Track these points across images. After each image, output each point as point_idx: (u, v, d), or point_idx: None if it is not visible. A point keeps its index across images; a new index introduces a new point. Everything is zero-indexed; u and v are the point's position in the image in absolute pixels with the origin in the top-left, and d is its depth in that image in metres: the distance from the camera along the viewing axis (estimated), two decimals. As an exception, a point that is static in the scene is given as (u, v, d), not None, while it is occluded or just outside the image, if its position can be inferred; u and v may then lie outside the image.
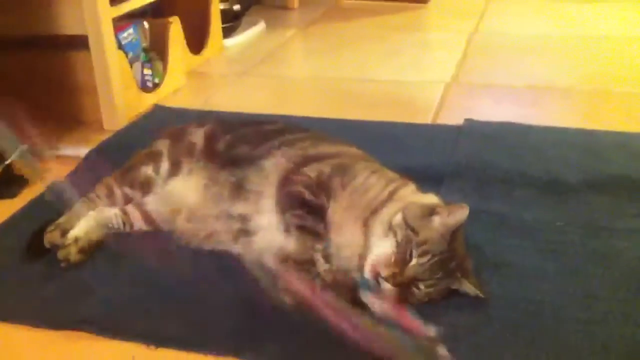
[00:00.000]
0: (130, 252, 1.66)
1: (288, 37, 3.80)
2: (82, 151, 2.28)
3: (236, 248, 1.62)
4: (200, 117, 2.08)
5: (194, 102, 2.80)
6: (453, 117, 2.48)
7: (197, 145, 1.78)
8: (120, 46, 2.55)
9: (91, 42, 2.39)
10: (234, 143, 1.75)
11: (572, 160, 2.06)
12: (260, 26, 3.86)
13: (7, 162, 2.08)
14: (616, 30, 3.67)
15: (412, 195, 1.53)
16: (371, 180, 1.55)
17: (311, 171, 1.57)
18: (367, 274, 1.40)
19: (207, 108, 2.68)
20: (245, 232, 1.61)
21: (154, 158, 1.78)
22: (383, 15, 4.16)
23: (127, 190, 1.77)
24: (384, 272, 1.37)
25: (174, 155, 1.77)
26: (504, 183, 1.92)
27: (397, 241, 1.39)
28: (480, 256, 1.54)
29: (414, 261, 1.36)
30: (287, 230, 1.51)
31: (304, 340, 1.34)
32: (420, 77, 3.06)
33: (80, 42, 2.43)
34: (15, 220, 1.83)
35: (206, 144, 1.77)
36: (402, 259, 1.37)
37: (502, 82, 2.95)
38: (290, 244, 1.47)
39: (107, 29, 2.41)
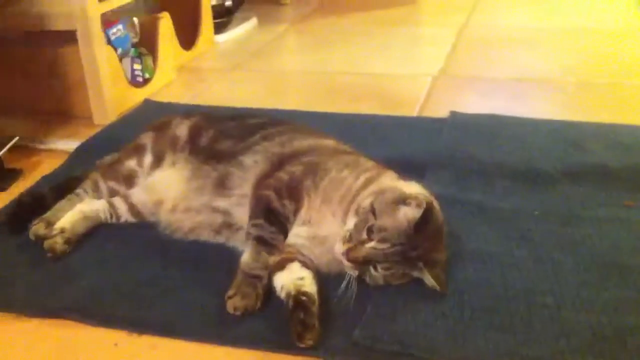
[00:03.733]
0: (116, 242, 1.70)
1: (279, 32, 3.83)
2: (72, 145, 2.31)
3: (219, 239, 1.66)
4: (188, 111, 2.11)
5: (185, 96, 2.83)
6: (439, 110, 2.50)
7: (180, 138, 1.81)
8: (109, 42, 2.58)
9: (80, 37, 2.42)
10: (217, 137, 1.78)
11: (551, 150, 2.09)
12: (252, 22, 3.88)
13: (-3, 156, 2.10)
14: (600, 23, 3.70)
15: (391, 183, 1.54)
16: (344, 174, 1.57)
17: (284, 174, 1.60)
18: (335, 251, 1.44)
19: (197, 102, 2.70)
20: (228, 225, 1.65)
21: (138, 151, 1.81)
22: (375, 10, 4.19)
23: (112, 184, 1.81)
24: (340, 248, 1.42)
25: (157, 147, 1.80)
26: (484, 173, 1.95)
27: (356, 221, 1.42)
28: (458, 244, 1.58)
29: (372, 244, 1.38)
30: (246, 238, 1.54)
31: (283, 326, 1.36)
32: (408, 70, 3.08)
33: (69, 38, 2.46)
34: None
35: (190, 137, 1.80)
36: (356, 237, 1.40)
37: (490, 75, 2.97)
38: (244, 255, 1.50)
39: (96, 25, 2.43)
